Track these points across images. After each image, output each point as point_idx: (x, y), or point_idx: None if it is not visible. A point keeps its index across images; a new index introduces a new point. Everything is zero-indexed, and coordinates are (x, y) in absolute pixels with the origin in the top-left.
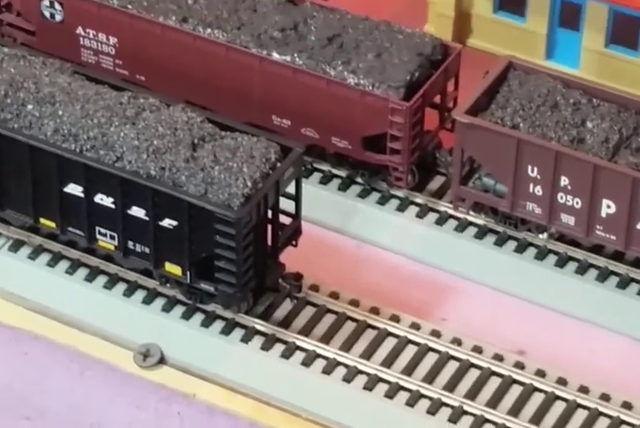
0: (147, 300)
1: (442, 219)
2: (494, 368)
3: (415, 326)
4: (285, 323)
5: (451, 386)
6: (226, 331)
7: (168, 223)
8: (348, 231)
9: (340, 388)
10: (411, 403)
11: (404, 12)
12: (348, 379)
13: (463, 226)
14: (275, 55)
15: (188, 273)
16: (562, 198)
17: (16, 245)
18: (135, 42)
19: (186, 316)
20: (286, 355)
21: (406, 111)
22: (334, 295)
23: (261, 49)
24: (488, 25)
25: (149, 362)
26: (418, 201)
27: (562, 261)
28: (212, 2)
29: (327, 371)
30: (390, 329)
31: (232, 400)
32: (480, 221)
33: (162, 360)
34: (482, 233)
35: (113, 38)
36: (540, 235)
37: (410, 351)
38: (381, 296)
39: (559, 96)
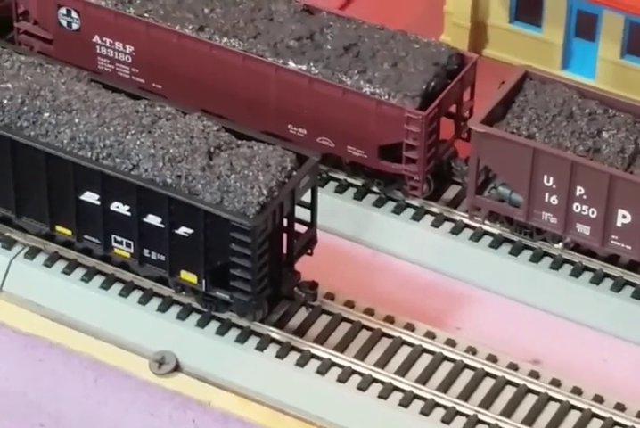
0: (162, 308)
1: (458, 228)
2: (509, 377)
3: (430, 335)
4: (300, 331)
5: (466, 395)
6: (242, 339)
7: (183, 231)
8: (363, 240)
9: (354, 396)
10: (425, 412)
11: (420, 21)
12: (362, 387)
13: (478, 235)
14: (292, 64)
15: (204, 281)
16: (577, 208)
17: (32, 253)
18: (151, 50)
19: (202, 323)
20: (301, 363)
21: (421, 121)
22: (349, 304)
23: (277, 58)
24: (505, 35)
25: (164, 369)
26: (434, 210)
27: (578, 271)
28: (229, 11)
29: (342, 379)
30: (405, 338)
31: (246, 408)
32: (495, 230)
33: (177, 368)
34: (498, 242)
35: (130, 47)
36: (555, 245)
37: (425, 360)
38: (396, 305)
39: (575, 106)
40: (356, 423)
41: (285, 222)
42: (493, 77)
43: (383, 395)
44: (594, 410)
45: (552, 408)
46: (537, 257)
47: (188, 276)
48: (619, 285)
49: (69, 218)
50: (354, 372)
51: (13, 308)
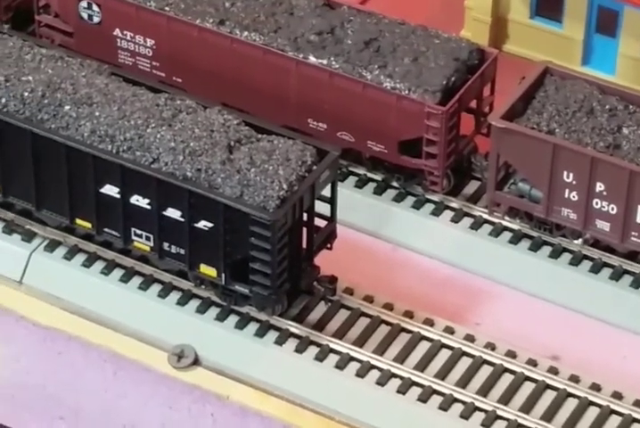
0: (182, 302)
1: (477, 224)
2: (527, 373)
3: (449, 330)
4: (319, 325)
5: (484, 391)
6: (261, 333)
7: (203, 225)
8: (382, 235)
9: (373, 391)
10: (444, 407)
11: (440, 16)
12: (381, 382)
13: (497, 230)
14: (312, 59)
15: (223, 275)
16: (597, 204)
17: (52, 245)
18: (172, 44)
19: (221, 317)
20: (320, 358)
21: (442, 116)
22: (369, 298)
23: (298, 52)
24: (525, 30)
25: (183, 363)
26: (453, 205)
27: (597, 267)
28: (249, 5)
29: (361, 374)
30: (424, 333)
31: (265, 402)
32: (514, 226)
33: (196, 361)
34: (517, 238)
35: (150, 40)
36: (575, 241)
37: (444, 355)
38: (415, 300)
39: (595, 102)
40: (374, 417)
41: (305, 216)
42: (513, 72)
43: (402, 390)
44: (613, 407)
45: (570, 404)
46: (556, 253)
47: (208, 270)
48: (638, 282)
49: (89, 211)
50: (373, 367)
51: (33, 300)
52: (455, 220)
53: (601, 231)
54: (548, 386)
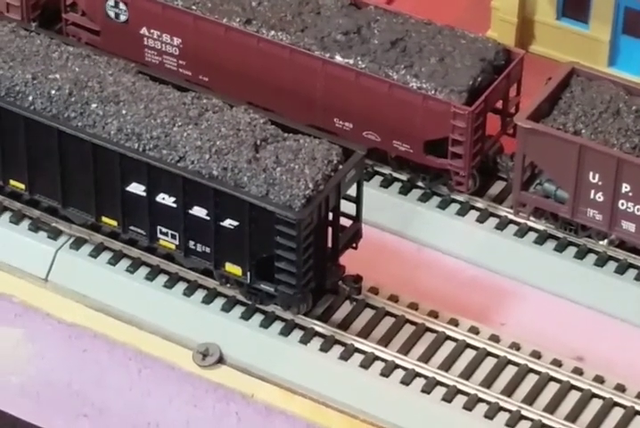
0: (207, 300)
1: (502, 224)
2: (552, 374)
3: (474, 330)
4: (344, 325)
5: (509, 391)
6: (285, 332)
7: (229, 223)
8: (408, 234)
9: (397, 390)
10: (469, 407)
11: (467, 17)
12: (405, 382)
13: (523, 231)
14: (338, 58)
15: (248, 273)
16: (622, 205)
17: (78, 243)
18: (198, 43)
19: (246, 316)
20: (345, 357)
21: (468, 116)
22: (393, 298)
23: (324, 52)
24: (551, 31)
25: (208, 361)
26: (479, 205)
27: (622, 268)
28: (276, 4)
29: (385, 373)
30: (449, 333)
31: (290, 401)
32: (540, 227)
33: (221, 360)
34: (542, 238)
35: (177, 39)
36: (600, 242)
37: (468, 355)
38: (440, 300)
39: (621, 103)
40: (398, 417)
41: (330, 216)
42: (539, 73)
43: (426, 390)
44: (638, 407)
45: (595, 405)
46: (581, 253)
47: (233, 269)
48: None
49: (115, 209)
50: (397, 366)
51: (58, 298)
52: (481, 220)
53: (626, 232)
54: (573, 387)
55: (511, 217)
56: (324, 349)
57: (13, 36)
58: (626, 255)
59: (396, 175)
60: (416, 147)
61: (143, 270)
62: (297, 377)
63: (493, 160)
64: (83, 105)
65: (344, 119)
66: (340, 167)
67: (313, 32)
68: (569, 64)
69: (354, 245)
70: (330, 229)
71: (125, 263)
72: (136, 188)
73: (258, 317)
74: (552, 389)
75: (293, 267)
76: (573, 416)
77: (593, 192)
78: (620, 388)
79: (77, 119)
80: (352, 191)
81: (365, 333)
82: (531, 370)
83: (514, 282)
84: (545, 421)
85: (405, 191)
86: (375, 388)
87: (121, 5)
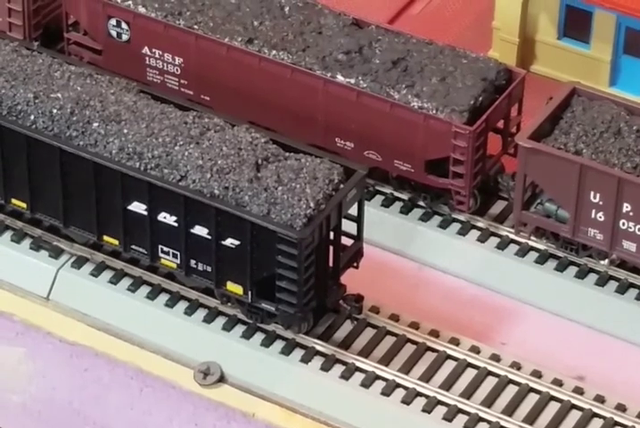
0: (208, 319)
1: (503, 244)
2: (553, 393)
3: (475, 350)
4: (345, 344)
5: (510, 410)
6: (286, 351)
7: (230, 242)
8: (409, 254)
9: (398, 410)
10: (469, 426)
11: (468, 37)
12: (407, 401)
13: (524, 250)
14: (340, 78)
15: (249, 292)
16: (623, 224)
17: (79, 262)
18: (200, 62)
19: (247, 335)
20: (345, 376)
21: (469, 136)
22: (394, 317)
23: (326, 71)
24: (553, 51)
25: (209, 380)
26: (479, 225)
27: (623, 288)
28: (278, 24)
29: (386, 392)
30: (450, 352)
31: (291, 420)
32: (541, 246)
33: (222, 379)
34: (543, 258)
35: (179, 58)
36: (601, 261)
37: (469, 375)
38: (441, 319)
39: (622, 123)
40: None
41: (332, 235)
42: (541, 93)
43: (427, 409)
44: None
45: (596, 424)
46: (582, 273)
47: (234, 288)
48: None
49: (117, 228)
50: (398, 385)
51: (60, 317)
52: (482, 240)
53: (627, 251)
54: (574, 406)
55: (512, 236)
56: (325, 368)
57: (15, 55)
58: (627, 275)
59: (397, 194)
60: (417, 167)
61: (145, 289)
62: (298, 396)
63: (494, 179)
64: (85, 124)
65: (345, 139)
66: (342, 186)
67: (314, 52)
68: (570, 84)
69: (355, 264)
70: (331, 248)
71: (126, 282)
72: (138, 207)
73: (259, 336)
74: (553, 408)
75: (294, 287)
76: None
77: (594, 211)
78: (621, 408)
79: (78, 138)
80: (353, 210)
81: (365, 353)
82: (532, 389)
83: (515, 301)
84: None
85: (406, 210)
86: (376, 407)
87: (123, 25)
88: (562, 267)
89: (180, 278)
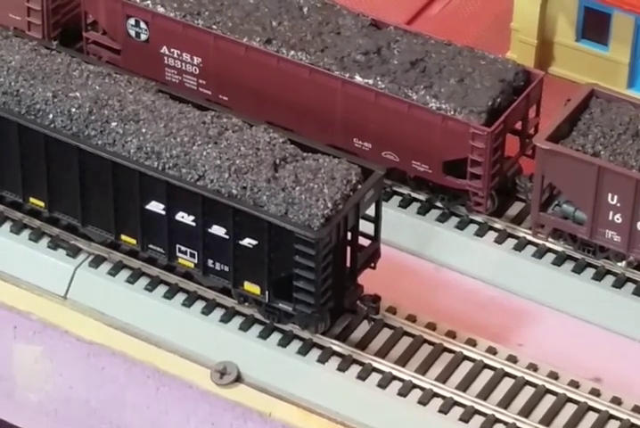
0: (225, 319)
1: (521, 245)
2: (570, 395)
3: (492, 351)
4: (362, 344)
5: (526, 412)
6: (303, 351)
7: (247, 242)
8: (426, 254)
9: (415, 410)
10: (486, 427)
11: (486, 38)
12: (423, 402)
13: (541, 252)
14: (358, 78)
15: (267, 292)
16: None
17: (96, 261)
18: (218, 62)
19: (264, 335)
20: (362, 376)
21: (487, 137)
22: (411, 318)
23: (344, 72)
24: (571, 53)
25: (225, 380)
26: (497, 226)
27: None
28: (296, 24)
29: (403, 393)
30: (467, 353)
31: (307, 420)
32: (558, 248)
33: (239, 378)
34: (561, 259)
35: (197, 58)
36: (619, 263)
37: (486, 376)
38: (458, 320)
39: None
40: None
41: (349, 235)
42: (559, 94)
43: (444, 410)
44: None
45: (612, 426)
46: (599, 275)
47: (251, 288)
48: None
49: (134, 228)
50: (415, 386)
51: (77, 316)
52: (499, 241)
53: None
54: (590, 408)
55: (529, 238)
56: (342, 368)
57: (34, 54)
58: None
59: (414, 195)
60: (435, 167)
61: (162, 288)
62: (314, 396)
63: (512, 180)
64: (103, 124)
65: (363, 139)
66: (359, 187)
67: (333, 52)
68: (588, 86)
69: (372, 265)
70: (348, 249)
71: (144, 281)
72: (156, 207)
73: (276, 336)
74: (569, 410)
75: (312, 287)
76: None
77: (611, 213)
78: (638, 410)
79: (97, 138)
80: (371, 211)
81: (382, 353)
82: (549, 391)
83: (532, 303)
84: None
85: (423, 211)
86: (393, 408)
87: (142, 24)
88: (579, 269)
89: (197, 278)
